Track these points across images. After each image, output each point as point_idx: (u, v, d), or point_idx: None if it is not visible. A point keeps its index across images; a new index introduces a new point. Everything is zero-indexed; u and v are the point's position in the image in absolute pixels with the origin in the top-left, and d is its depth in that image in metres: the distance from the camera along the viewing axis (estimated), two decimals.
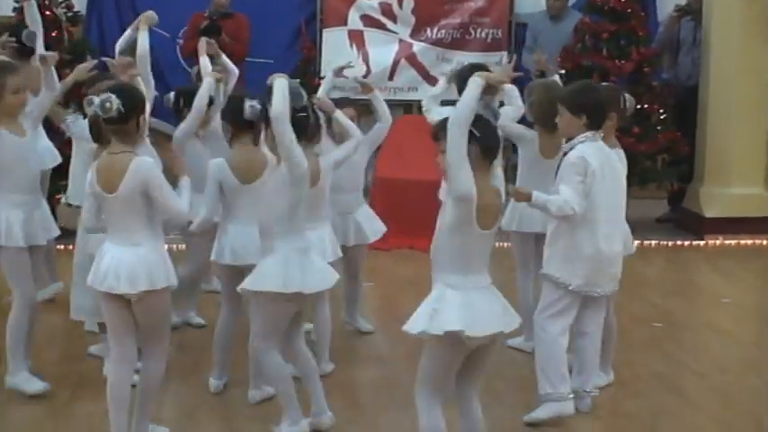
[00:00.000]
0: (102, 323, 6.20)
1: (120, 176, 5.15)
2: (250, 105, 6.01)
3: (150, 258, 5.23)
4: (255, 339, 5.60)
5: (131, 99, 5.22)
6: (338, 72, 7.72)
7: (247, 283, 5.56)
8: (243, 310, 6.32)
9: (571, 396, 5.84)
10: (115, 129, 5.20)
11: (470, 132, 4.72)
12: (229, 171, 6.09)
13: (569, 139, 5.92)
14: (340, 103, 6.91)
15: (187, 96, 7.15)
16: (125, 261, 5.20)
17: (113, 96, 5.13)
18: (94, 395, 6.16)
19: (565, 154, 5.87)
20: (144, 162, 5.20)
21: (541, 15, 11.74)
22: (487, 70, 7.37)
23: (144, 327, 5.35)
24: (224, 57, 7.95)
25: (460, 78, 7.38)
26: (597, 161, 5.76)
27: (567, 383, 5.84)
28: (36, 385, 6.22)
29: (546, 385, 5.84)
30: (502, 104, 6.98)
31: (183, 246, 7.75)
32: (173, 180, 5.37)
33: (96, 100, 5.16)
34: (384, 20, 12.13)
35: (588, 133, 5.82)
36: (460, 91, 7.02)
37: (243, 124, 6.10)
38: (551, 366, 5.84)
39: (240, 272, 6.03)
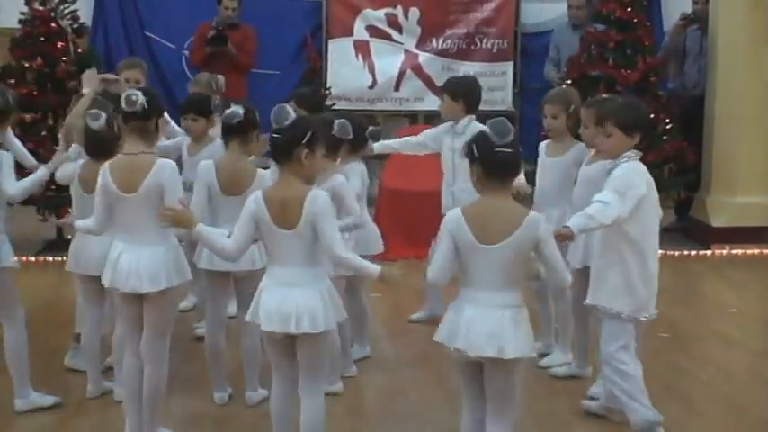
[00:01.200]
0: None
1: (141, 176, 5.27)
2: (231, 111, 5.87)
3: (169, 256, 5.38)
4: None
5: (154, 99, 5.40)
6: None
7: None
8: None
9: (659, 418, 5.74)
10: (136, 125, 5.33)
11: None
12: (215, 176, 6.04)
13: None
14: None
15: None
16: (145, 260, 5.32)
17: (139, 93, 5.31)
18: (101, 406, 6.17)
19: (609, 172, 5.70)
20: (168, 164, 5.33)
21: (564, 25, 11.67)
22: (477, 86, 7.54)
23: (153, 324, 5.44)
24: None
25: (460, 89, 7.46)
26: (644, 180, 5.63)
27: (649, 406, 5.73)
28: (49, 399, 6.18)
29: (640, 413, 5.68)
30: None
31: None
32: None
33: (127, 100, 5.31)
34: (390, 30, 12.16)
35: (632, 152, 5.65)
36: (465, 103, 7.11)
37: (228, 130, 6.03)
38: (641, 393, 5.72)
39: (223, 275, 6.16)
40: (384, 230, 7.35)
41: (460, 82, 7.71)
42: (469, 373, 4.87)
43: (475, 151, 4.70)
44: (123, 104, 5.30)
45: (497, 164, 4.67)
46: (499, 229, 4.66)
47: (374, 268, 5.00)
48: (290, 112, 4.97)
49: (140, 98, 5.28)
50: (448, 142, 7.55)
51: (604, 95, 7.06)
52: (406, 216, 9.82)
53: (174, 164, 5.40)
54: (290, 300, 4.90)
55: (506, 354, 4.67)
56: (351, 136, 6.29)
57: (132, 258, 5.34)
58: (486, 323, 4.68)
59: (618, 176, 5.56)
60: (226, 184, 5.99)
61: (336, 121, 6.20)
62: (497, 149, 4.65)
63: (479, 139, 4.72)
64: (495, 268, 4.68)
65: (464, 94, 7.45)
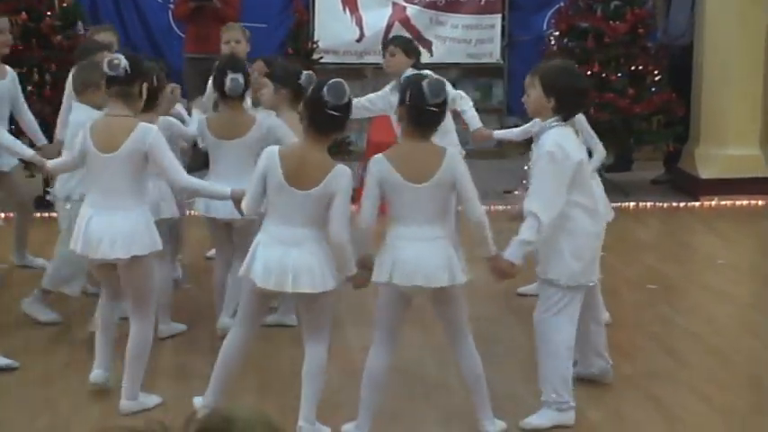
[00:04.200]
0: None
1: (122, 138, 5.37)
2: (231, 79, 5.92)
3: (141, 223, 5.45)
4: None
5: (137, 64, 5.54)
6: None
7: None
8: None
9: (573, 404, 5.46)
10: (119, 90, 5.47)
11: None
12: (206, 128, 6.48)
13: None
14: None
15: None
16: (117, 226, 5.39)
17: (122, 57, 5.47)
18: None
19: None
20: (151, 128, 5.44)
21: None
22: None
23: (129, 290, 5.58)
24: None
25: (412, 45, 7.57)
26: (574, 147, 5.34)
27: (570, 391, 5.46)
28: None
29: (550, 391, 5.43)
30: None
31: None
32: None
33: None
34: None
35: (555, 119, 5.33)
36: None
37: (226, 96, 6.34)
38: (558, 372, 5.42)
39: (223, 225, 6.52)
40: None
41: (411, 39, 7.92)
42: (401, 308, 5.21)
43: (407, 99, 5.02)
44: (106, 68, 5.38)
45: (425, 118, 5.03)
46: (424, 170, 5.00)
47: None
48: (346, 87, 5.07)
49: (123, 62, 5.37)
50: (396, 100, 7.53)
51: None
52: None
53: (155, 127, 5.49)
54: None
55: (458, 279, 5.05)
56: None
57: (103, 223, 5.41)
58: (436, 255, 5.00)
59: (543, 158, 5.26)
60: (221, 130, 6.48)
61: (304, 72, 6.52)
62: (428, 107, 4.98)
63: (414, 89, 5.01)
64: (427, 203, 5.00)
65: (415, 50, 7.63)
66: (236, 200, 5.40)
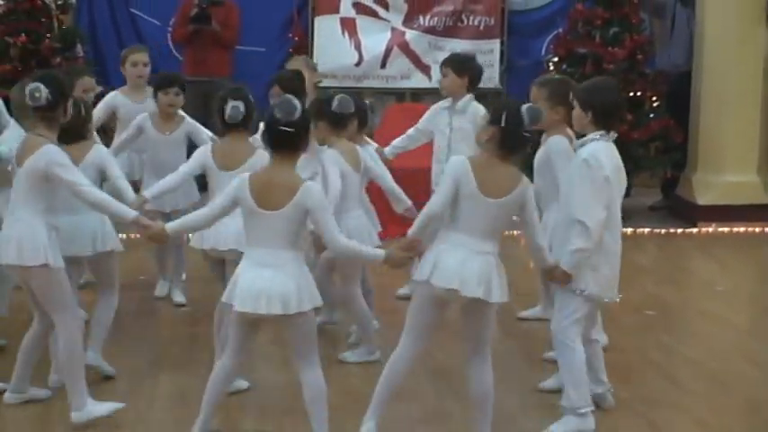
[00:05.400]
0: None
1: (28, 155, 5.54)
2: (232, 107, 5.86)
3: (27, 236, 5.57)
4: None
5: (58, 88, 5.59)
6: None
7: None
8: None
9: (592, 410, 5.58)
10: (44, 115, 5.59)
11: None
12: (210, 156, 6.17)
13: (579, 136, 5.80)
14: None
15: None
16: (16, 234, 5.59)
17: (41, 85, 5.50)
18: None
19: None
20: (47, 148, 5.53)
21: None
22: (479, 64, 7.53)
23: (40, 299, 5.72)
24: None
25: (466, 65, 7.48)
26: (609, 161, 5.56)
27: (589, 396, 5.59)
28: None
29: (572, 397, 5.55)
30: None
31: None
32: None
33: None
34: (376, 7, 12.08)
35: (598, 133, 5.58)
36: None
37: (228, 125, 6.05)
38: (577, 378, 5.56)
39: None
40: (376, 209, 7.35)
41: (466, 58, 7.70)
42: (434, 314, 5.25)
43: (503, 120, 5.05)
44: (29, 100, 5.51)
45: (518, 140, 5.10)
46: (500, 186, 5.08)
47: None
48: (298, 104, 5.03)
49: (43, 92, 5.49)
50: (445, 119, 7.50)
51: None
52: None
53: (55, 149, 5.54)
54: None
55: (492, 297, 5.10)
56: (352, 110, 6.50)
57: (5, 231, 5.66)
58: (477, 266, 5.07)
59: (579, 166, 5.52)
60: (223, 161, 6.11)
61: (336, 97, 6.43)
62: (527, 132, 5.09)
63: (512, 112, 5.07)
64: (490, 218, 5.09)
65: (469, 70, 7.48)
66: (140, 225, 5.52)
